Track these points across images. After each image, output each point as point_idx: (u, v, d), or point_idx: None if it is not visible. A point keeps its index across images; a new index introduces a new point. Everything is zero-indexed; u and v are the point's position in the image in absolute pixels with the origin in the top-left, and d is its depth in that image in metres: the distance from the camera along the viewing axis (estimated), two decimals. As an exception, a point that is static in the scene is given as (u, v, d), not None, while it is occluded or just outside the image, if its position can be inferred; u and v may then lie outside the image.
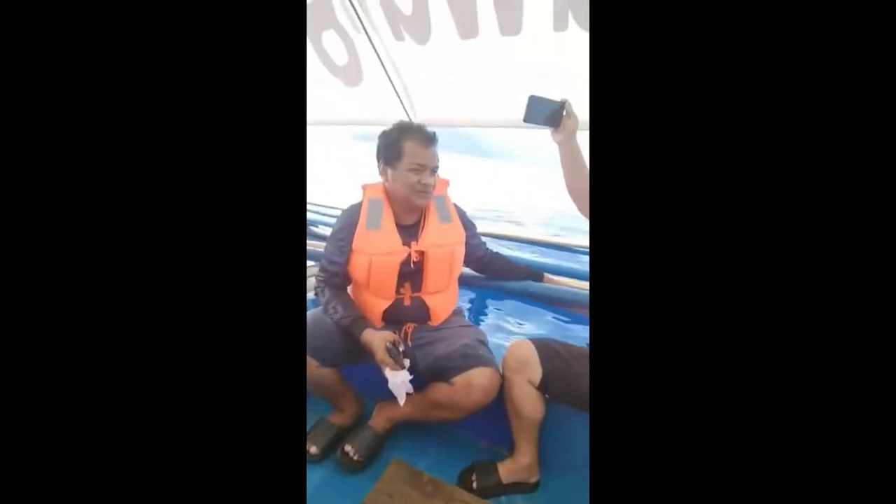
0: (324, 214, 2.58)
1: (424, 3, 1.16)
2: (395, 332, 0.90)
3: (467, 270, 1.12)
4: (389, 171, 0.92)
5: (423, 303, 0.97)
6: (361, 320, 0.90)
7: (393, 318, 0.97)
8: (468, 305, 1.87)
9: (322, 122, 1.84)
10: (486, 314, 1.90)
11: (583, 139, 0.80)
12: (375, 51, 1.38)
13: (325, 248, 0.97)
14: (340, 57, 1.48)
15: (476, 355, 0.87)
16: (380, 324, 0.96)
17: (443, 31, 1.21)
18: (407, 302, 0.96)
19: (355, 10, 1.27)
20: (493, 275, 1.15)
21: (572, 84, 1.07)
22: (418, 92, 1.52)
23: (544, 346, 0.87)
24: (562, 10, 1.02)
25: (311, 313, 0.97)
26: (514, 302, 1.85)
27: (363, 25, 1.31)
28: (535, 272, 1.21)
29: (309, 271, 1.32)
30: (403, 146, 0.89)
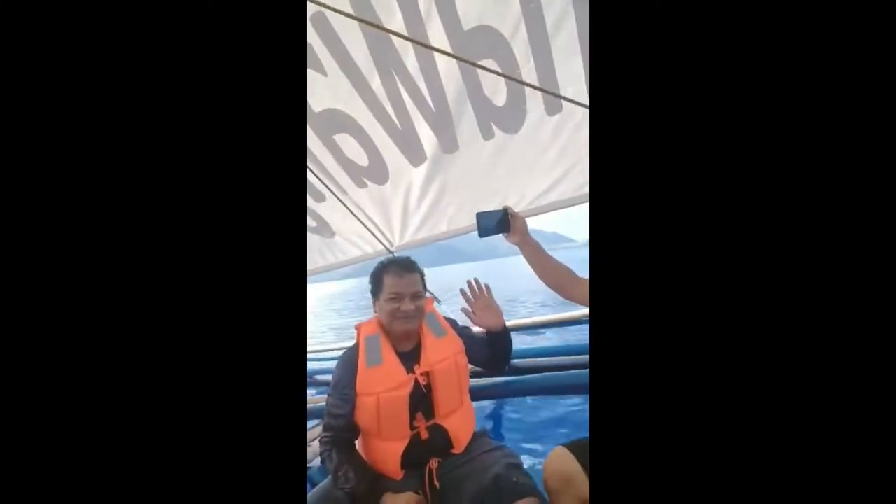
0: (318, 360, 2.49)
1: (377, 151, 1.35)
2: (417, 493, 0.80)
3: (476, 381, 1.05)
4: (376, 304, 0.95)
5: (442, 429, 0.88)
6: (378, 483, 0.81)
7: (414, 460, 0.87)
8: (489, 423, 1.73)
9: (318, 271, 1.95)
10: (508, 422, 1.74)
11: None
12: (344, 204, 1.54)
13: (327, 402, 0.92)
14: (313, 218, 1.66)
15: (511, 487, 0.76)
16: (399, 473, 0.86)
17: (398, 167, 1.39)
18: (424, 434, 0.87)
19: (316, 176, 1.46)
20: (496, 354, 1.06)
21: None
22: (391, 225, 1.66)
23: (583, 449, 0.78)
24: (485, 122, 1.22)
25: (317, 491, 0.86)
26: (531, 400, 1.73)
27: (326, 186, 1.49)
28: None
29: (311, 434, 1.22)
30: (383, 280, 0.93)
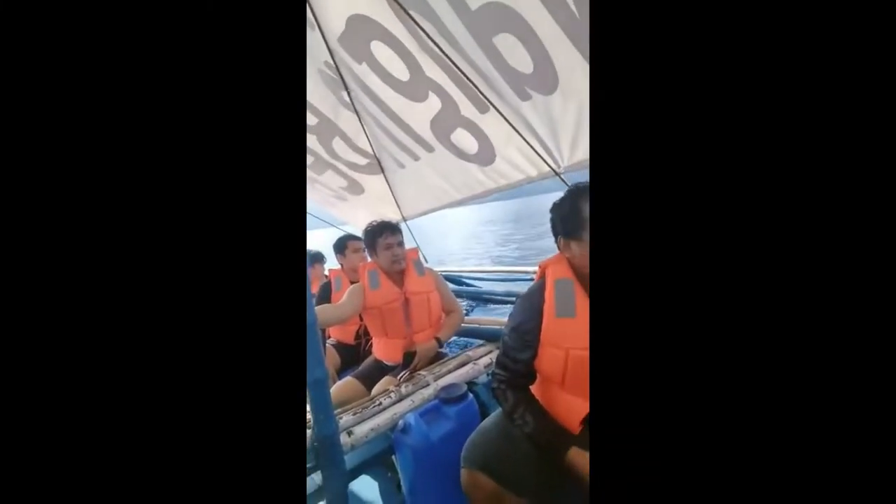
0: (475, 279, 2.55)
1: (544, 51, 1.15)
2: None
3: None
4: (574, 245, 0.77)
5: None
6: (562, 436, 0.77)
7: None
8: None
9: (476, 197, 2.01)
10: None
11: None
12: (504, 118, 1.42)
13: (504, 341, 0.84)
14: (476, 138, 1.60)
15: None
16: (578, 429, 0.80)
17: (569, 70, 1.16)
18: None
19: (475, 87, 1.35)
20: None
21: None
22: (558, 141, 1.46)
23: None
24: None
25: (491, 420, 0.87)
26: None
27: (486, 98, 1.38)
28: None
29: (475, 352, 1.30)
30: (583, 211, 0.75)
